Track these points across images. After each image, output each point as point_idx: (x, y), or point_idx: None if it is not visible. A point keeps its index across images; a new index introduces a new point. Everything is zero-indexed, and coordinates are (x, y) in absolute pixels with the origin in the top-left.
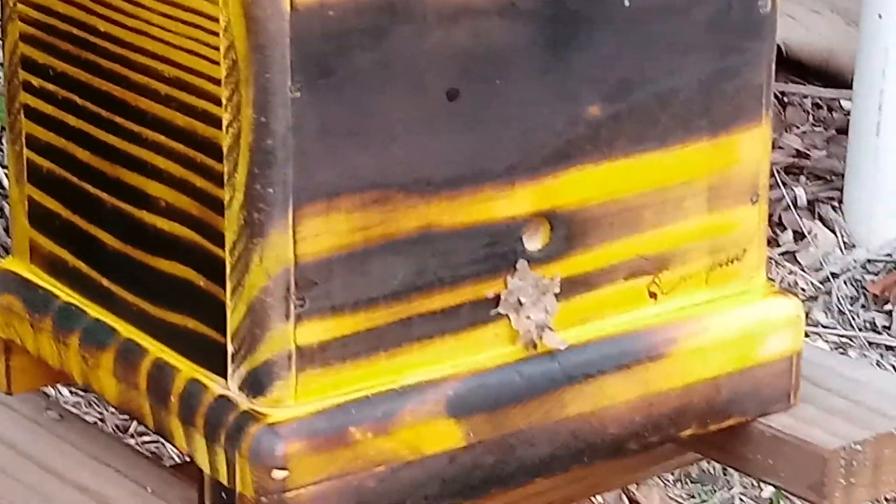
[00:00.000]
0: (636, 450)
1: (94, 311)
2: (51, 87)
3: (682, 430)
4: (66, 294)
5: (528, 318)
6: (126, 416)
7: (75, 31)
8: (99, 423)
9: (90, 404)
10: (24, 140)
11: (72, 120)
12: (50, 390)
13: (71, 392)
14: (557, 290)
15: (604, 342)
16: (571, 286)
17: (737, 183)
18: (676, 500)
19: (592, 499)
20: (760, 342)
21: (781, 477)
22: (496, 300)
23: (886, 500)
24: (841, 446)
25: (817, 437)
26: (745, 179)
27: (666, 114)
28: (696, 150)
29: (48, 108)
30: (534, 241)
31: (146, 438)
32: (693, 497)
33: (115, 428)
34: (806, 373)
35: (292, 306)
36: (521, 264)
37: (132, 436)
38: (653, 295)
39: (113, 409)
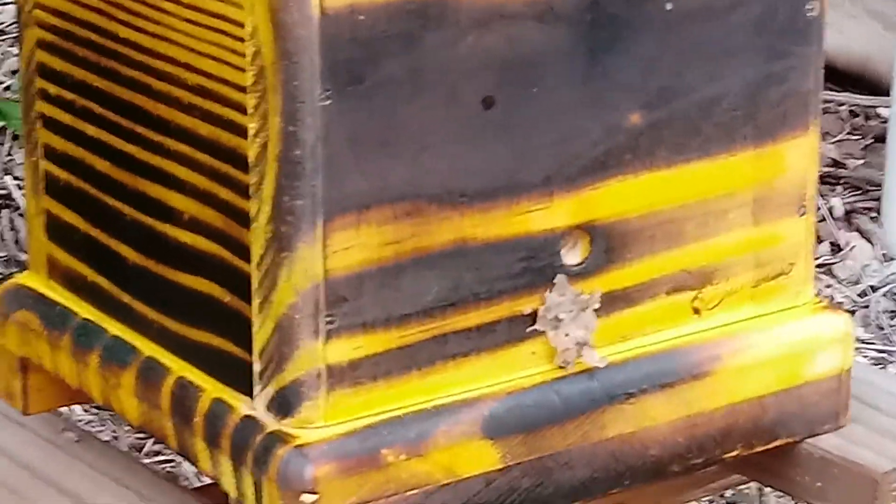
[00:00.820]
0: (679, 472)
1: (115, 327)
2: (69, 95)
3: (727, 452)
4: (85, 310)
5: (567, 335)
6: (141, 435)
7: (94, 36)
8: (113, 441)
9: (103, 423)
10: (41, 150)
11: (91, 129)
12: (63, 409)
13: (84, 410)
14: (597, 305)
15: (645, 360)
16: (611, 302)
17: (783, 194)
18: None
19: None
20: (808, 360)
21: (830, 500)
22: (533, 316)
23: None
24: (893, 468)
25: (867, 458)
26: (792, 190)
27: (708, 122)
28: (741, 160)
29: (66, 117)
30: (572, 255)
31: (161, 458)
32: None
33: (129, 447)
34: (855, 391)
35: (322, 323)
36: (560, 279)
37: (147, 455)
38: (696, 311)
39: (127, 428)
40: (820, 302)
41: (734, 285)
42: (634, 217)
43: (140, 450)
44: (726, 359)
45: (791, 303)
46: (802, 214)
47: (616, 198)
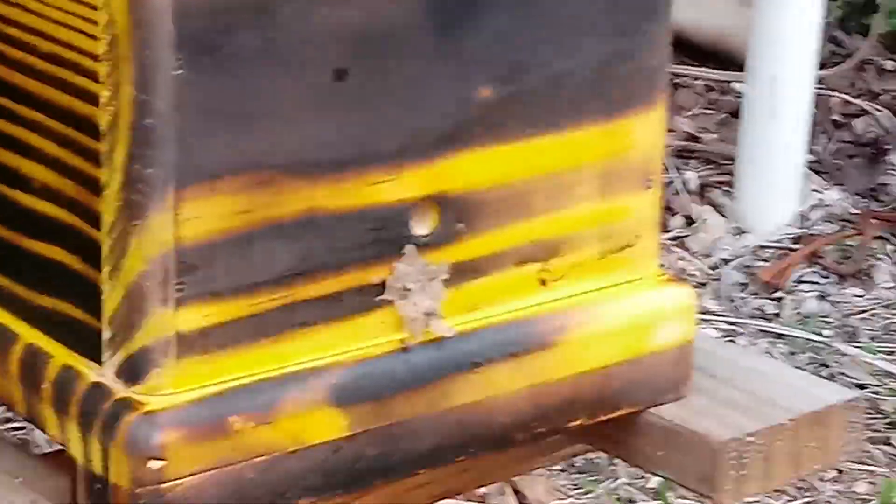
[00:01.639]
0: (524, 441)
1: None
2: None
3: (571, 421)
4: None
5: (415, 304)
6: None
7: None
8: None
9: None
10: None
11: None
12: None
13: None
14: (445, 276)
15: (493, 330)
16: (460, 272)
17: (630, 168)
18: (561, 491)
19: (475, 491)
20: (652, 331)
21: (672, 469)
22: (382, 286)
23: (777, 492)
24: (732, 438)
25: (708, 428)
26: (639, 165)
27: (558, 97)
28: (590, 135)
29: None
30: (422, 226)
31: (12, 425)
32: (578, 487)
33: None
34: (698, 362)
35: (172, 291)
36: (409, 249)
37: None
38: (543, 282)
39: None
40: (664, 274)
41: (580, 257)
42: (484, 189)
43: None
44: (572, 330)
45: (636, 275)
46: (649, 188)
47: (466, 170)
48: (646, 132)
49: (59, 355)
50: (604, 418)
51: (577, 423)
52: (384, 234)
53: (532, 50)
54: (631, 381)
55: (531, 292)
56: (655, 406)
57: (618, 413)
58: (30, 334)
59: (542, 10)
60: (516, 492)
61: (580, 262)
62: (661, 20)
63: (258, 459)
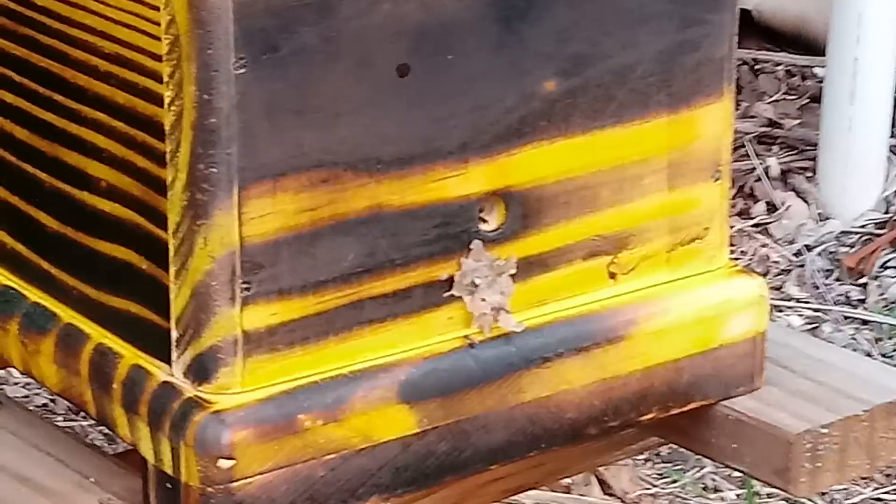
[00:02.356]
0: (595, 435)
1: (34, 294)
2: None
3: (642, 415)
4: (4, 277)
5: (483, 300)
6: None
7: (11, 4)
8: (50, 403)
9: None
10: None
11: (9, 97)
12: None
13: (21, 373)
14: (513, 271)
15: (561, 324)
16: (528, 267)
17: (698, 159)
18: (647, 480)
19: (561, 481)
20: (723, 323)
21: (746, 462)
22: (450, 282)
23: (864, 479)
24: (806, 430)
25: (782, 420)
26: (707, 156)
27: (623, 89)
28: (655, 126)
29: None
30: (488, 221)
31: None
32: (664, 477)
33: (67, 409)
34: (771, 354)
35: (238, 290)
36: (476, 245)
37: (84, 417)
38: (612, 276)
39: None
40: (734, 266)
41: (649, 250)
42: (550, 183)
43: (78, 412)
44: (641, 323)
45: (706, 267)
46: (717, 180)
47: (531, 164)
48: (713, 123)
49: (129, 355)
50: (676, 412)
51: (650, 416)
52: (450, 230)
53: (595, 42)
54: (702, 374)
55: (600, 286)
56: (728, 399)
57: (690, 406)
58: (99, 334)
59: (605, 1)
60: (601, 482)
61: (649, 255)
62: (726, 9)
63: (328, 457)
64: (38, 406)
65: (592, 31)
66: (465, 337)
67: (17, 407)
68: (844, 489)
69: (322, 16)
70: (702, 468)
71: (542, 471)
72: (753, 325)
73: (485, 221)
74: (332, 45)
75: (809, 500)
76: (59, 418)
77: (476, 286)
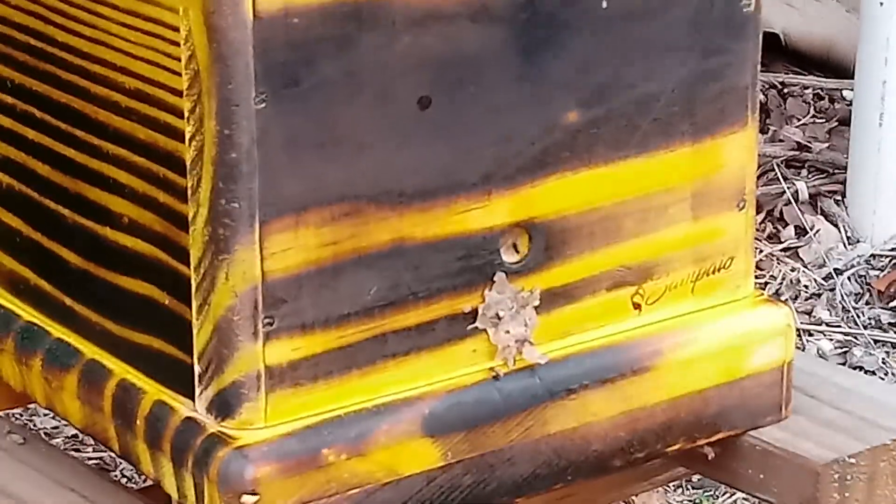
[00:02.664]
0: (622, 466)
1: (58, 330)
2: (9, 99)
3: (669, 446)
4: (28, 313)
5: (507, 332)
6: None
7: (33, 41)
8: (80, 434)
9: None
10: None
11: (31, 133)
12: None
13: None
14: (537, 302)
15: (586, 356)
16: (551, 298)
17: (722, 189)
18: None
19: None
20: (749, 353)
21: (773, 492)
22: (473, 314)
23: None
24: (834, 459)
25: (809, 450)
26: (731, 185)
27: (646, 119)
28: (679, 156)
29: (6, 122)
30: (511, 253)
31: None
32: (695, 503)
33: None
34: (798, 383)
35: (260, 325)
36: (499, 277)
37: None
38: (636, 306)
39: None
40: (761, 295)
41: (674, 280)
42: (573, 214)
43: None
44: (667, 353)
45: (731, 296)
46: (742, 209)
47: (555, 195)
48: (737, 151)
49: (152, 391)
50: (702, 442)
51: (676, 447)
52: (474, 262)
53: (617, 73)
54: (729, 405)
55: (625, 317)
56: (755, 428)
57: (717, 437)
58: (122, 370)
59: (626, 32)
60: None
61: (674, 285)
62: (748, 38)
63: (352, 492)
64: (67, 437)
65: (614, 61)
66: (490, 369)
67: (41, 443)
68: None
69: (343, 49)
70: (733, 494)
71: (568, 502)
72: (780, 354)
73: (515, 250)
74: (353, 78)
75: None
76: (89, 449)
77: (500, 318)
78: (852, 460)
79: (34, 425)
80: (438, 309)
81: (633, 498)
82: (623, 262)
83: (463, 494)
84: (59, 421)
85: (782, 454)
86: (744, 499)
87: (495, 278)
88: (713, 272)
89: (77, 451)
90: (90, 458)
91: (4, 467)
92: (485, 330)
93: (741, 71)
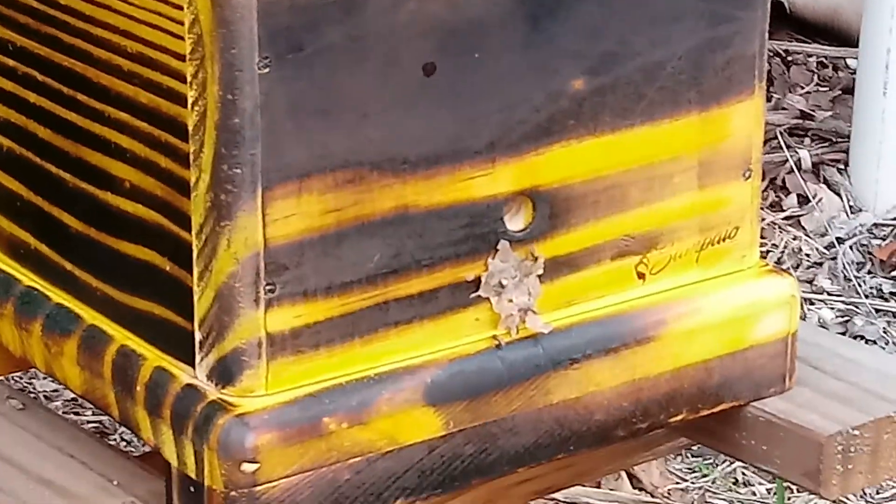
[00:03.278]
0: (624, 437)
1: (58, 296)
2: (10, 62)
3: (672, 417)
4: (28, 278)
5: (510, 301)
6: None
7: (35, 3)
8: (79, 398)
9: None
10: None
11: (32, 97)
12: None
13: (44, 374)
14: (541, 271)
15: (590, 325)
16: (555, 267)
17: (728, 158)
18: (677, 474)
19: None
20: (754, 323)
21: (776, 463)
22: (476, 283)
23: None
24: (837, 431)
25: (813, 421)
26: (737, 154)
27: (653, 87)
28: (686, 125)
29: (7, 85)
30: (515, 221)
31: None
32: (694, 471)
33: None
34: (802, 354)
35: (262, 292)
36: (503, 245)
37: None
38: (641, 276)
39: None
40: (765, 265)
41: (679, 250)
42: (578, 182)
43: None
44: (671, 323)
45: (736, 266)
46: (748, 178)
47: (559, 163)
48: (744, 121)
49: (152, 357)
50: (706, 413)
51: (679, 418)
52: (477, 230)
53: (624, 40)
54: (733, 375)
55: (629, 286)
56: (758, 399)
57: (720, 408)
58: (122, 336)
59: (633, 0)
60: (631, 477)
61: (679, 255)
62: (757, 6)
63: (353, 460)
64: (66, 401)
65: (622, 28)
66: (493, 337)
67: (40, 409)
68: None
69: (348, 14)
70: (732, 462)
71: (571, 472)
72: (784, 325)
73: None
74: (357, 44)
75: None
76: (88, 413)
77: (503, 287)
78: (856, 432)
79: (33, 388)
80: (441, 277)
81: (634, 466)
82: (628, 231)
83: (464, 464)
84: (58, 384)
85: (786, 425)
86: (743, 467)
87: (499, 246)
88: (718, 242)
89: (76, 414)
90: (89, 421)
91: (3, 432)
92: (488, 298)
93: (749, 39)
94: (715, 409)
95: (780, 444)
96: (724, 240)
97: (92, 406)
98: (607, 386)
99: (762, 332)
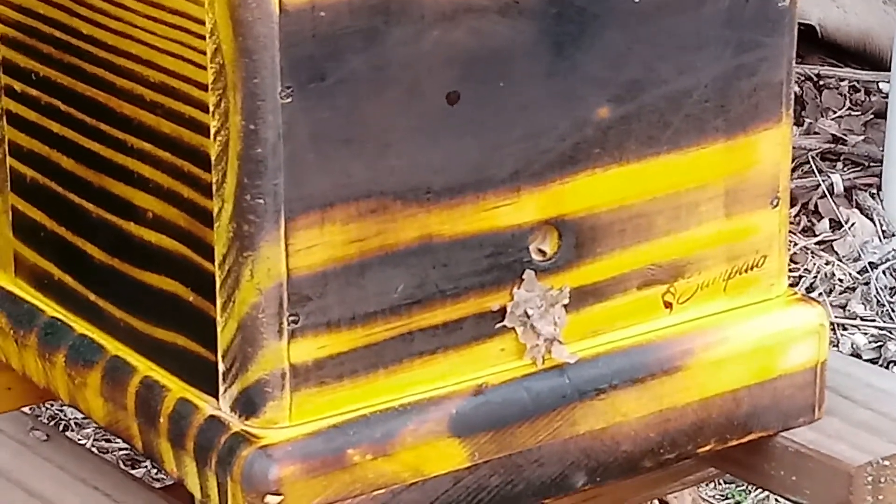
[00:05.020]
0: (652, 467)
1: (81, 326)
2: (33, 91)
3: (700, 447)
4: (51, 309)
5: (536, 331)
6: None
7: (58, 33)
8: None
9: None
10: (6, 147)
11: (55, 126)
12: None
13: (68, 406)
14: (566, 301)
15: (616, 355)
16: (581, 297)
17: (755, 186)
18: (709, 501)
19: None
20: (782, 353)
21: (806, 494)
22: (502, 313)
23: None
24: (868, 462)
25: (843, 452)
26: (765, 182)
27: (678, 114)
28: (712, 153)
29: (31, 115)
30: (541, 251)
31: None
32: (727, 498)
33: None
34: (831, 383)
35: (285, 322)
36: (528, 275)
37: None
38: (668, 305)
39: None
40: (794, 294)
41: (706, 279)
42: (604, 211)
43: None
44: (699, 353)
45: (764, 295)
46: (775, 206)
47: (585, 192)
48: (771, 148)
49: (176, 388)
50: (734, 443)
51: (707, 448)
52: (502, 260)
53: (649, 68)
54: (761, 405)
55: (655, 315)
56: (787, 429)
57: (748, 438)
58: (146, 367)
59: (659, 27)
60: (662, 503)
61: (706, 284)
62: (784, 33)
63: (377, 492)
64: (97, 428)
65: (647, 56)
66: (522, 368)
67: (64, 440)
68: None
69: (370, 43)
70: (765, 489)
71: (598, 503)
72: (813, 354)
73: (540, 252)
74: (380, 72)
75: None
76: (119, 440)
77: (529, 317)
78: (886, 462)
79: (64, 415)
80: (466, 307)
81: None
82: (654, 260)
83: (490, 495)
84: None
85: (815, 456)
86: (776, 496)
87: (524, 276)
88: (746, 270)
89: (108, 441)
90: (120, 449)
91: (28, 464)
92: (513, 328)
93: (776, 66)
94: (743, 440)
95: (810, 474)
96: (751, 268)
97: None
98: (634, 416)
99: (791, 361)
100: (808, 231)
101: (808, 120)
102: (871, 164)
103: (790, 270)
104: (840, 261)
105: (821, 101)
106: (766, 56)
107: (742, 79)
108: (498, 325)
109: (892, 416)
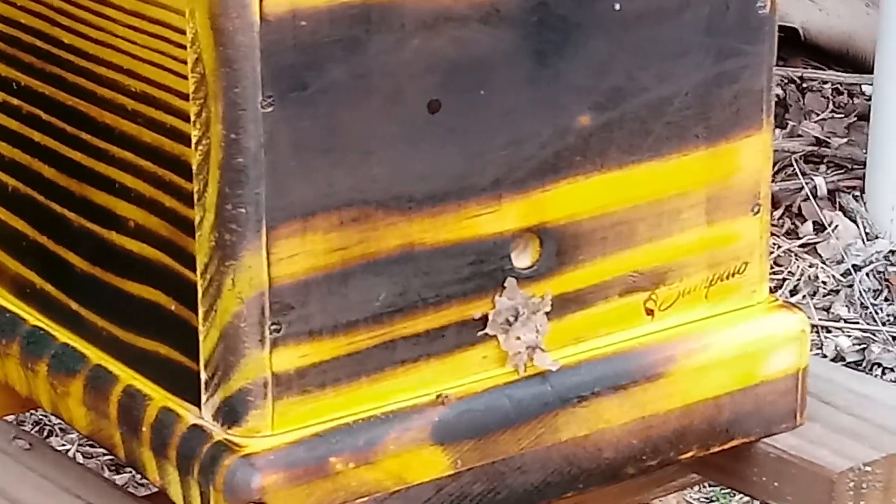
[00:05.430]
0: (634, 474)
1: (64, 335)
2: (15, 101)
3: (682, 453)
4: (34, 318)
5: (518, 338)
6: None
7: (39, 43)
8: None
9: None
10: None
11: (37, 136)
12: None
13: (51, 414)
14: (548, 308)
15: (598, 362)
16: (563, 304)
17: (737, 193)
18: None
19: None
20: (764, 359)
21: (788, 500)
22: (483, 321)
23: None
24: (849, 467)
25: (824, 458)
26: (746, 189)
27: (660, 122)
28: (693, 160)
29: (12, 124)
30: (522, 258)
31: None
32: (711, 501)
33: None
34: (813, 389)
35: (267, 331)
36: (510, 282)
37: None
38: (649, 312)
39: None
40: (775, 300)
41: (688, 286)
42: (585, 219)
43: None
44: (680, 360)
45: (746, 302)
46: (756, 213)
47: (566, 200)
48: (752, 155)
49: (158, 397)
50: (716, 450)
51: (689, 455)
52: (484, 268)
53: (631, 76)
54: (743, 411)
55: (637, 323)
56: (770, 436)
57: (730, 444)
58: (128, 376)
59: (640, 35)
60: None
61: (687, 291)
62: (764, 41)
63: (360, 500)
64: (80, 436)
65: (628, 64)
66: (504, 375)
67: (47, 449)
68: None
69: (351, 52)
70: (748, 495)
71: None
72: (795, 360)
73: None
74: (361, 81)
75: None
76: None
77: (510, 324)
78: (868, 468)
79: (49, 420)
80: (448, 315)
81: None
82: (636, 267)
83: (473, 503)
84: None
85: (797, 462)
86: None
87: (506, 284)
88: (727, 277)
89: (92, 446)
90: (105, 455)
91: (11, 473)
92: (495, 336)
93: (756, 73)
94: (725, 446)
95: (792, 480)
96: (733, 275)
97: None
98: (616, 423)
99: (772, 367)
100: (792, 234)
101: (791, 122)
102: (855, 166)
103: (774, 273)
104: (824, 263)
105: (804, 103)
106: (746, 63)
107: (723, 86)
108: (480, 333)
109: (874, 421)
